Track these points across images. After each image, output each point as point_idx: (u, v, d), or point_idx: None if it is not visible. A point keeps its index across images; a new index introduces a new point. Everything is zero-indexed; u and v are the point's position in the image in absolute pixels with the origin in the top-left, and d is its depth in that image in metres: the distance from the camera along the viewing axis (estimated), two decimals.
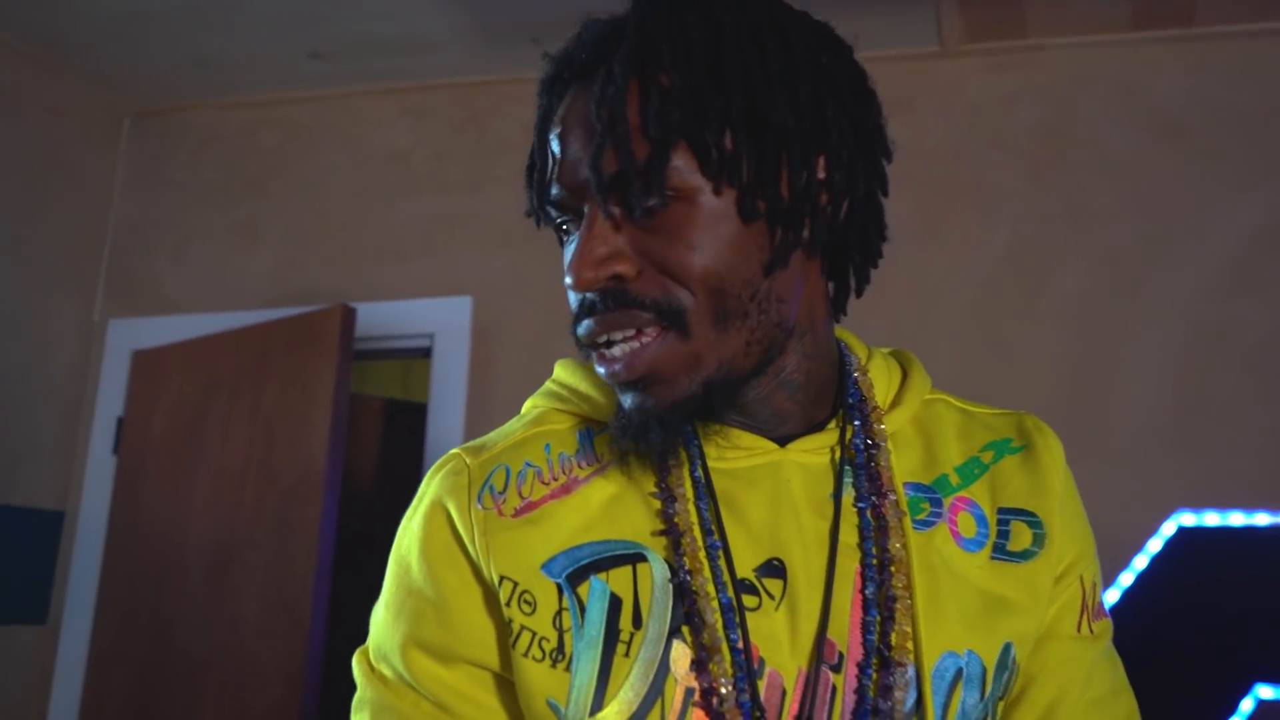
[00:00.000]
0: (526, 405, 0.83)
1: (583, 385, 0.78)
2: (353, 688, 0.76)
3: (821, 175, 0.69)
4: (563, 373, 0.81)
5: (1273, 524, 2.19)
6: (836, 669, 0.67)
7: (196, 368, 2.75)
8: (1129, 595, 2.22)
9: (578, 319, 0.70)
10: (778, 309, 0.69)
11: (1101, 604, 0.78)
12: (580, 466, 0.74)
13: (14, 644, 2.78)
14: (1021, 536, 0.74)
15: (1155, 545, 2.24)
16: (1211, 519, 2.22)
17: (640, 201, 0.66)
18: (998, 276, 2.51)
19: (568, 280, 0.68)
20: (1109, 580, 2.23)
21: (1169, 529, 2.24)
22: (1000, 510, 0.75)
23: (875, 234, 0.74)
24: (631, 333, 0.67)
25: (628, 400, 0.69)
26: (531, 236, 2.80)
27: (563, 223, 0.72)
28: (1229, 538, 2.20)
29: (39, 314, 2.89)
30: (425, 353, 2.85)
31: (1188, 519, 2.24)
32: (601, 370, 0.70)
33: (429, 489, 0.76)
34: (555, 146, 0.70)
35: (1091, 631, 0.76)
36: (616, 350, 0.68)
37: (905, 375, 0.80)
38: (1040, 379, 2.42)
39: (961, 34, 2.59)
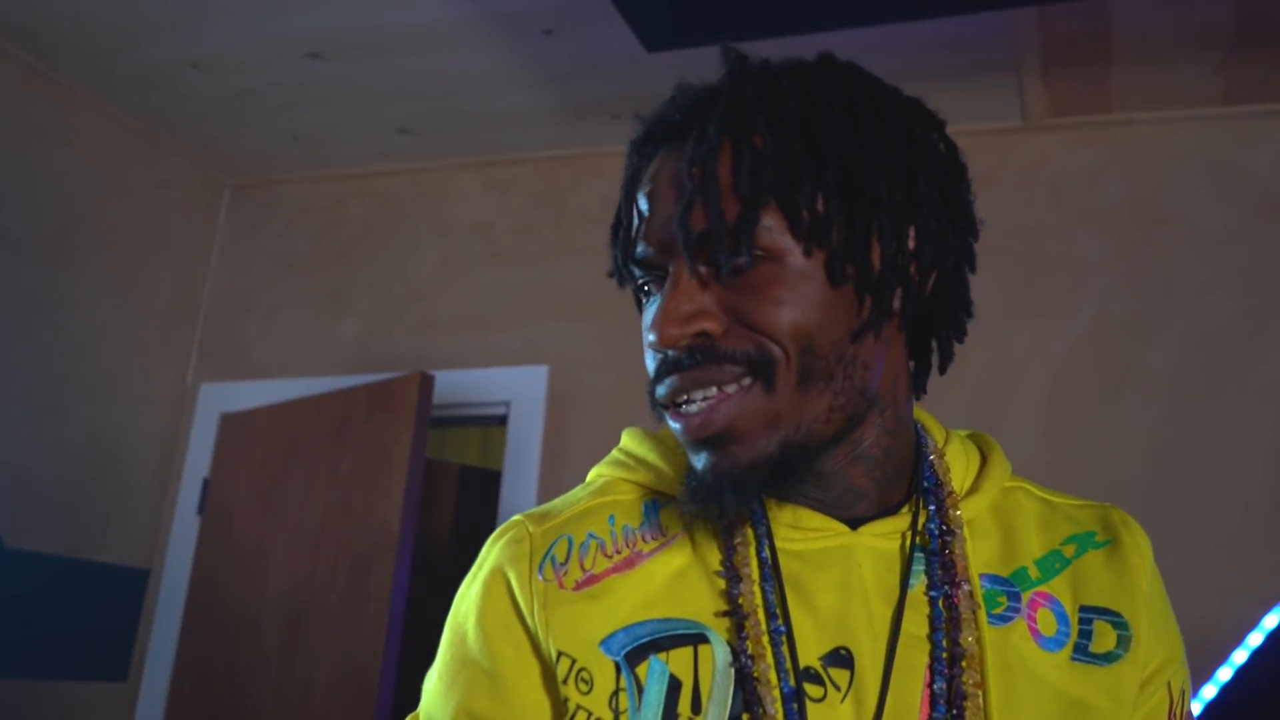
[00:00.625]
0: (592, 474, 0.81)
1: (650, 455, 0.77)
2: None
3: (911, 246, 0.69)
4: (630, 442, 0.80)
5: None
6: None
7: (279, 431, 2.82)
8: (1227, 690, 2.09)
9: (658, 378, 0.69)
10: (862, 376, 0.68)
11: (1190, 714, 0.75)
12: (645, 540, 0.72)
13: (94, 700, 2.83)
14: (1105, 638, 0.70)
15: (1256, 639, 2.11)
16: None
17: (729, 260, 0.65)
18: (1083, 354, 2.45)
19: (650, 338, 0.67)
20: (1206, 676, 2.11)
21: (1271, 621, 2.12)
22: (1082, 608, 0.71)
23: (962, 309, 0.73)
24: (714, 391, 0.66)
25: (700, 461, 0.67)
26: (608, 308, 2.85)
27: (644, 283, 0.72)
28: None
29: (136, 377, 3.00)
30: (501, 420, 2.88)
31: None
32: (677, 427, 0.68)
33: (489, 555, 0.75)
34: (644, 204, 0.70)
35: None
36: (694, 407, 0.67)
37: (984, 461, 0.77)
38: (1128, 462, 2.33)
39: (1046, 108, 2.57)
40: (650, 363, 0.70)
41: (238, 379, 3.11)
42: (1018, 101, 2.56)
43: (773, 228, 0.65)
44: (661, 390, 0.69)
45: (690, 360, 0.66)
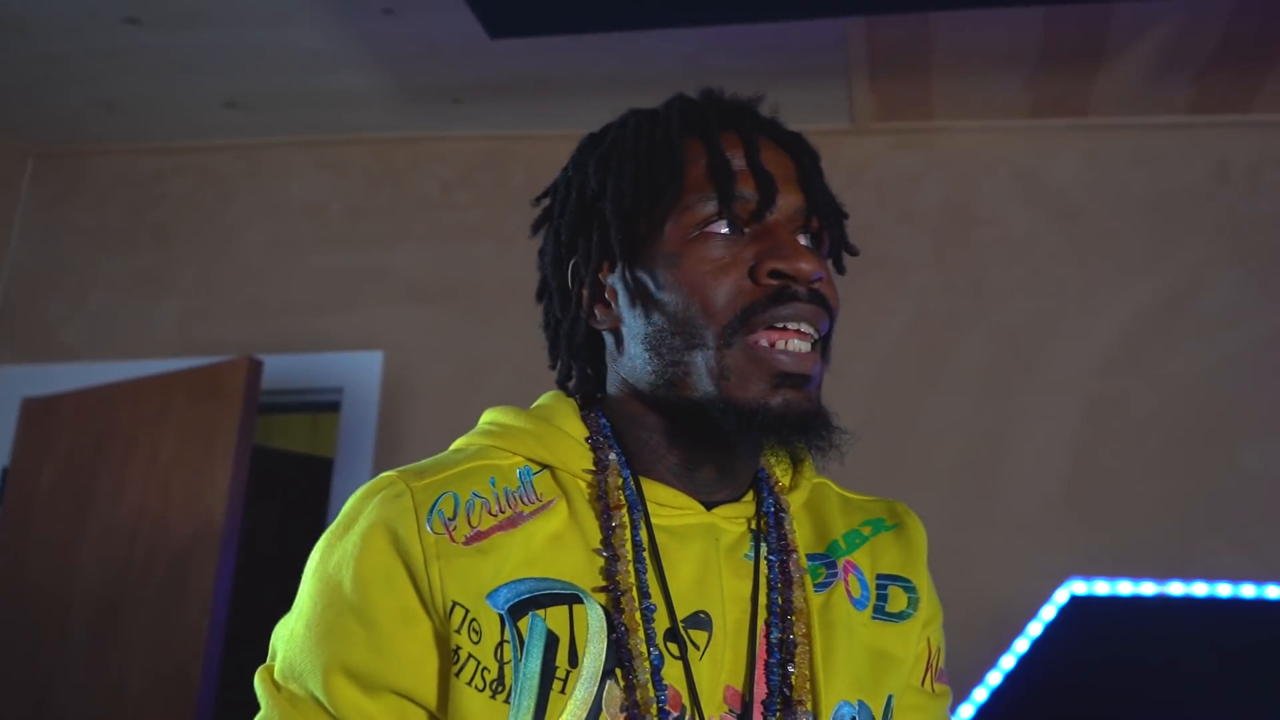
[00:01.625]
0: (459, 443, 0.83)
1: (525, 424, 0.81)
2: None
3: None
4: (499, 415, 0.83)
5: (1158, 594, 2.27)
6: (746, 714, 0.74)
7: (90, 417, 2.66)
8: (1024, 661, 2.27)
9: (776, 300, 0.76)
10: None
11: (944, 671, 0.88)
12: (524, 503, 0.76)
13: None
14: (898, 600, 0.84)
15: (1049, 613, 2.30)
16: (1101, 588, 2.30)
17: (843, 253, 0.86)
18: (902, 348, 2.59)
19: (802, 265, 0.76)
20: (1004, 646, 2.28)
21: (1061, 596, 2.31)
22: (879, 576, 0.85)
23: None
24: (814, 334, 0.78)
25: (778, 399, 0.75)
26: (444, 295, 2.82)
27: (715, 224, 0.78)
28: (1118, 606, 2.28)
29: None
30: (334, 407, 2.81)
31: (1079, 587, 2.30)
32: (788, 346, 0.76)
33: (365, 509, 0.75)
34: (765, 171, 0.79)
35: (934, 690, 0.85)
36: (794, 344, 0.76)
37: (797, 462, 0.88)
38: (941, 449, 2.48)
39: (872, 112, 2.70)
40: (728, 292, 0.76)
41: (42, 362, 2.91)
42: (847, 105, 2.67)
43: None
44: (784, 312, 0.76)
45: (812, 299, 0.77)
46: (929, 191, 2.69)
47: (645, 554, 0.76)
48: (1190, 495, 2.37)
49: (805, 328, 0.76)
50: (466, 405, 2.69)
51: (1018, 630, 2.29)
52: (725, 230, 0.77)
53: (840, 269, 0.87)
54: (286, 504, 3.29)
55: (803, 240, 0.80)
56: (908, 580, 0.85)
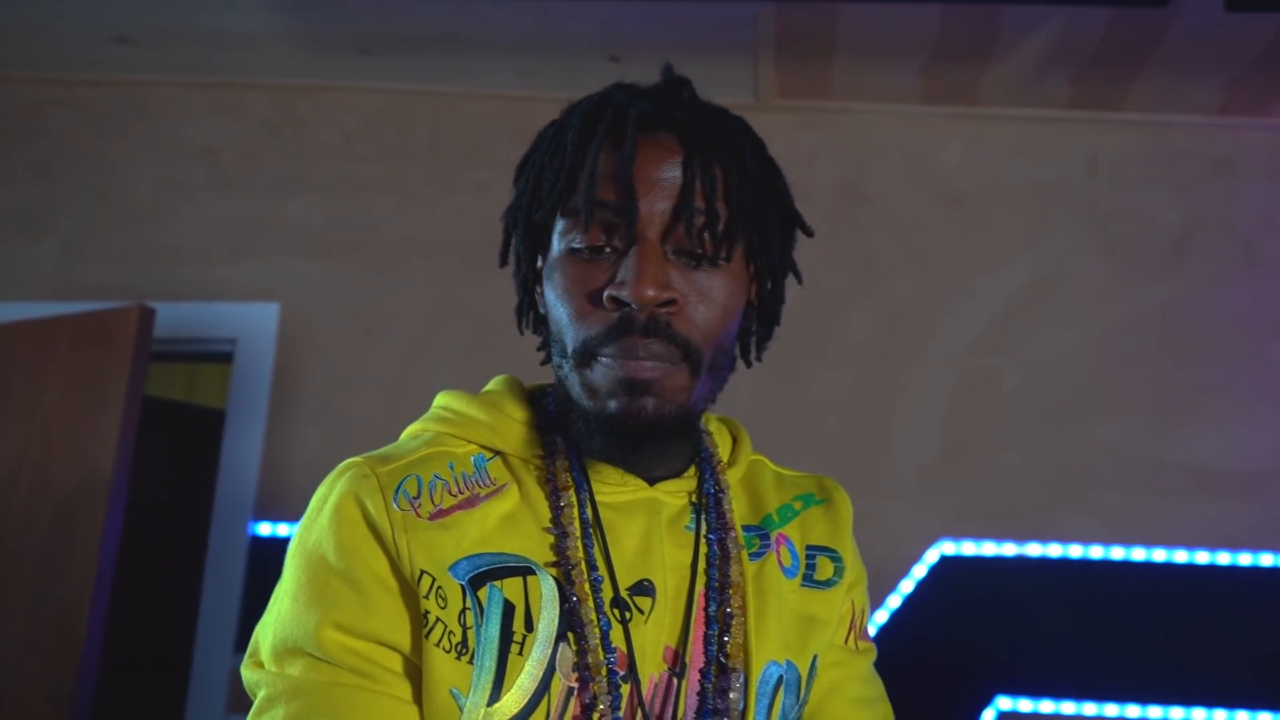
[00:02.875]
0: (412, 428, 0.88)
1: (477, 413, 0.86)
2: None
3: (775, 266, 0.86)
4: (453, 401, 0.88)
5: (1018, 554, 2.46)
6: (682, 675, 0.81)
7: None
8: (896, 616, 2.44)
9: (611, 333, 0.76)
10: (730, 367, 0.84)
11: (868, 630, 0.95)
12: (480, 486, 0.82)
13: None
14: (825, 568, 0.91)
15: (920, 571, 2.47)
16: (969, 548, 2.48)
17: (711, 256, 0.78)
18: (795, 321, 2.68)
19: (625, 293, 0.75)
20: (879, 601, 2.44)
21: (932, 556, 2.48)
22: (809, 547, 0.91)
23: (780, 305, 0.90)
24: (651, 364, 0.76)
25: (614, 404, 0.77)
26: (344, 247, 2.79)
27: (581, 246, 0.78)
28: (983, 565, 2.47)
29: None
30: (227, 358, 2.76)
31: (949, 548, 2.48)
32: (617, 371, 0.76)
33: (335, 488, 0.81)
34: (625, 178, 0.77)
35: (858, 648, 0.92)
36: (637, 364, 0.76)
37: (735, 440, 0.95)
38: (830, 418, 2.61)
39: (775, 90, 2.78)
40: (573, 313, 0.79)
41: None
42: (752, 82, 2.75)
43: (742, 240, 0.80)
44: (609, 348, 0.77)
45: (651, 327, 0.76)
46: (825, 170, 2.80)
47: (592, 530, 0.82)
48: (1050, 465, 2.56)
49: (646, 362, 0.76)
50: (365, 360, 2.71)
51: (891, 588, 2.45)
52: (589, 246, 0.78)
53: (770, 278, 0.85)
54: (173, 455, 3.22)
55: (668, 253, 0.77)
56: (834, 551, 0.92)
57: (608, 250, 0.78)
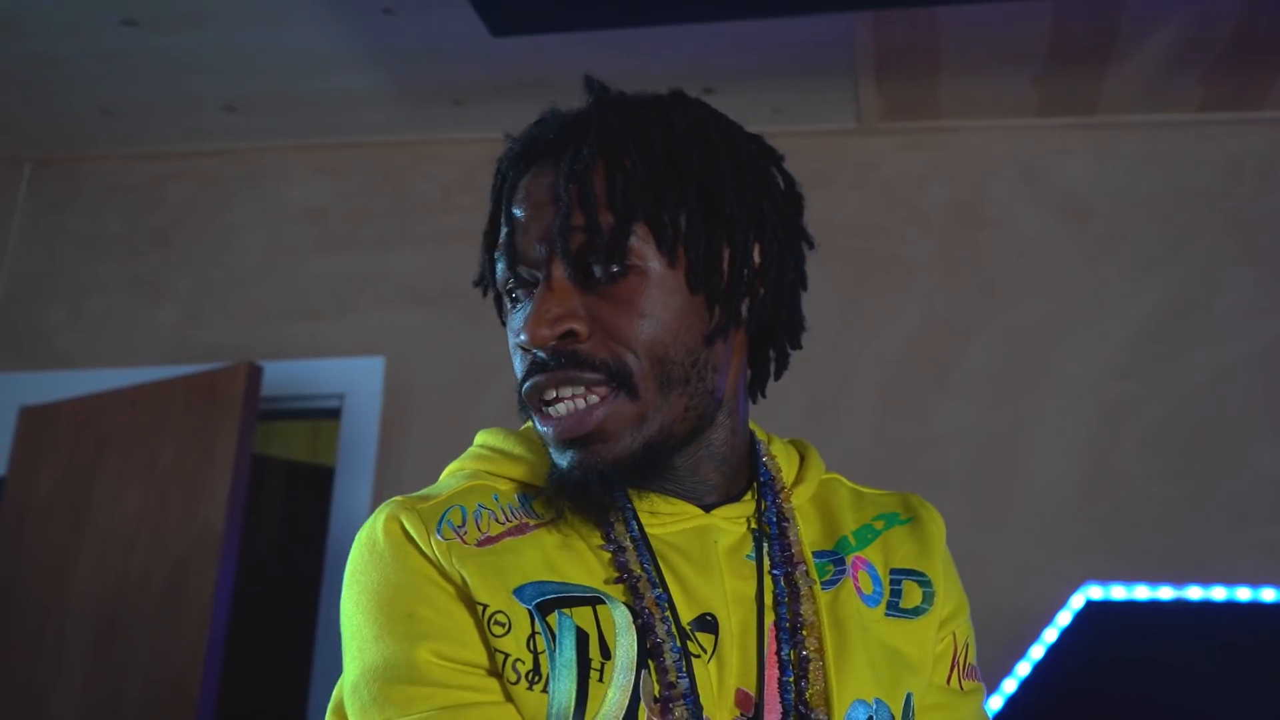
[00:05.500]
0: (451, 467, 0.83)
1: (517, 449, 0.81)
2: None
3: (756, 261, 0.78)
4: (492, 439, 0.83)
5: (1176, 598, 2.23)
6: (757, 717, 0.72)
7: (87, 425, 2.62)
8: (1039, 668, 2.23)
9: (525, 378, 0.75)
10: (712, 378, 0.76)
11: (975, 667, 0.85)
12: (528, 517, 0.77)
13: None
14: (913, 595, 0.81)
15: (1065, 618, 2.26)
16: (1118, 592, 2.26)
17: (604, 267, 0.73)
18: (912, 351, 2.55)
19: (521, 338, 0.73)
20: (1019, 654, 2.24)
21: (1077, 602, 2.27)
22: (893, 571, 0.82)
23: (797, 321, 0.83)
24: (580, 390, 0.73)
25: (566, 459, 0.73)
26: (448, 298, 2.78)
27: (512, 291, 0.77)
28: (1135, 611, 2.24)
29: None
30: (335, 413, 2.77)
31: (1095, 592, 2.27)
32: (545, 429, 0.74)
33: (377, 526, 0.76)
34: (519, 213, 0.76)
35: (962, 688, 0.82)
36: (562, 408, 0.73)
37: (803, 459, 0.87)
38: (952, 453, 2.45)
39: (878, 112, 2.66)
40: (518, 365, 0.76)
41: (39, 369, 2.88)
42: (853, 105, 2.64)
43: (641, 239, 0.73)
44: (527, 387, 0.74)
45: (555, 362, 0.72)
46: (937, 193, 2.66)
47: (644, 547, 0.76)
48: (1206, 497, 2.33)
49: (565, 391, 0.73)
50: (469, 410, 2.67)
51: (1033, 637, 2.24)
52: (508, 292, 0.78)
53: (695, 287, 0.75)
54: (286, 513, 3.25)
55: (578, 280, 0.74)
56: (922, 574, 0.82)
57: (527, 293, 0.77)
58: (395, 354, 2.73)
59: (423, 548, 0.73)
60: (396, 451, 2.66)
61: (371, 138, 2.90)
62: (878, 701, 0.74)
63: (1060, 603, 2.27)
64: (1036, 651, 2.24)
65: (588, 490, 0.73)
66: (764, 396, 0.86)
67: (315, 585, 2.66)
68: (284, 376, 2.69)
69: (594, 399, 0.72)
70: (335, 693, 0.76)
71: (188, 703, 2.22)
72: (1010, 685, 2.18)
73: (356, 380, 2.72)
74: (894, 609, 0.80)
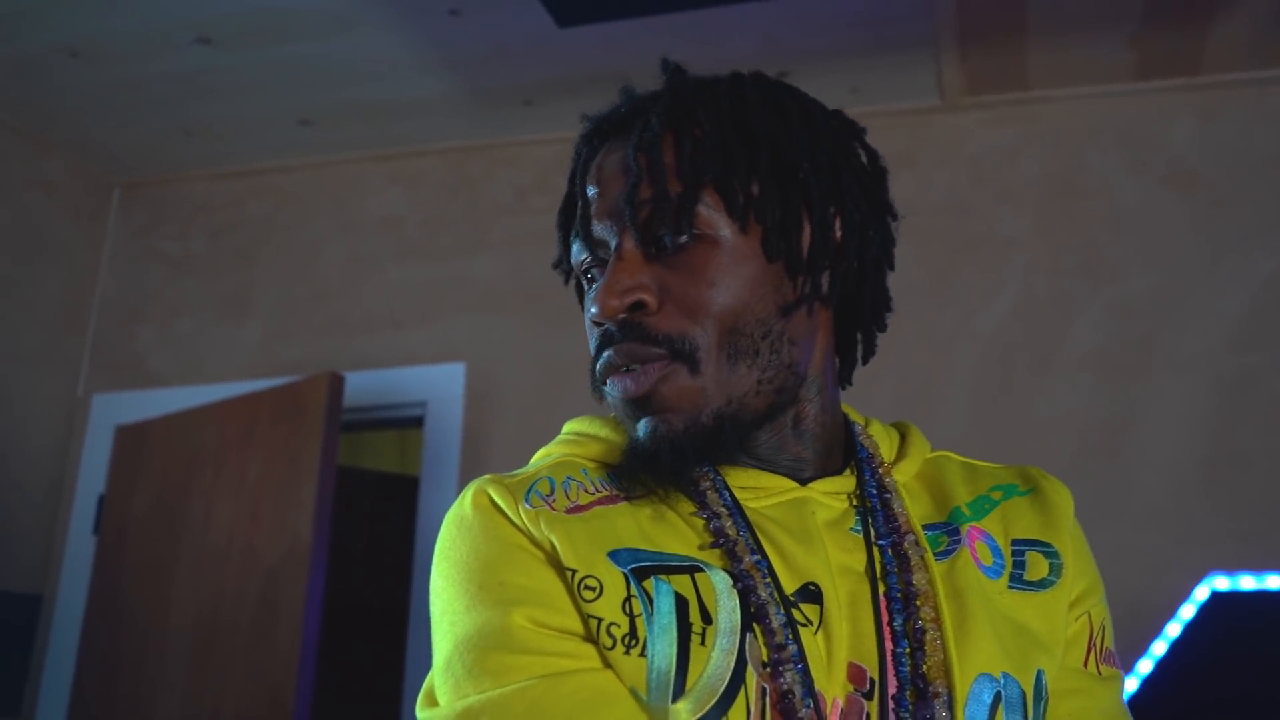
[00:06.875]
0: (540, 453, 0.81)
1: (601, 430, 0.79)
2: None
3: (837, 234, 0.75)
4: (578, 424, 0.82)
5: None
6: (869, 696, 0.68)
7: (179, 442, 2.65)
8: (1163, 663, 2.08)
9: (597, 353, 0.74)
10: (789, 351, 0.73)
11: (1113, 652, 0.78)
12: (618, 489, 0.75)
13: None
14: (1038, 566, 0.75)
15: (1188, 611, 2.11)
16: (1247, 582, 2.10)
17: (672, 235, 0.71)
18: (1008, 331, 2.43)
19: (593, 310, 0.72)
20: (1142, 649, 2.10)
21: (1202, 593, 2.11)
22: (1015, 542, 0.76)
23: (882, 300, 0.80)
24: (643, 366, 0.71)
25: (642, 428, 0.72)
26: (526, 301, 2.75)
27: (588, 271, 0.77)
28: (1265, 602, 2.08)
29: (21, 390, 2.80)
30: (418, 421, 2.76)
31: (1221, 583, 2.11)
32: (615, 392, 0.73)
33: (465, 503, 0.74)
34: (592, 190, 0.75)
35: (1100, 673, 0.75)
36: (628, 384, 0.72)
37: (904, 438, 0.83)
38: (1057, 437, 2.31)
39: (962, 87, 2.55)
40: (592, 343, 0.75)
41: (133, 389, 2.93)
42: (935, 80, 2.53)
43: (711, 209, 0.71)
44: (600, 363, 0.73)
45: (621, 335, 0.71)
46: (1028, 166, 2.53)
47: (739, 515, 0.72)
48: None
49: (634, 367, 0.72)
50: (552, 413, 2.62)
51: (1155, 631, 2.10)
52: (583, 271, 0.77)
53: (772, 254, 0.73)
54: (375, 523, 3.26)
55: (649, 251, 0.72)
56: (1048, 544, 0.76)
57: (601, 271, 0.76)
58: (476, 359, 2.71)
59: (511, 517, 0.71)
60: (480, 457, 2.63)
61: (444, 143, 2.89)
62: (1005, 676, 0.68)
63: (1183, 594, 2.12)
64: (1159, 648, 2.09)
65: (658, 461, 0.70)
66: (850, 384, 0.83)
67: (404, 596, 2.65)
68: (368, 387, 2.69)
69: (653, 370, 0.71)
70: (425, 683, 0.72)
71: (283, 712, 2.22)
72: (1131, 684, 2.04)
73: (439, 387, 2.70)
74: (1018, 581, 0.74)
